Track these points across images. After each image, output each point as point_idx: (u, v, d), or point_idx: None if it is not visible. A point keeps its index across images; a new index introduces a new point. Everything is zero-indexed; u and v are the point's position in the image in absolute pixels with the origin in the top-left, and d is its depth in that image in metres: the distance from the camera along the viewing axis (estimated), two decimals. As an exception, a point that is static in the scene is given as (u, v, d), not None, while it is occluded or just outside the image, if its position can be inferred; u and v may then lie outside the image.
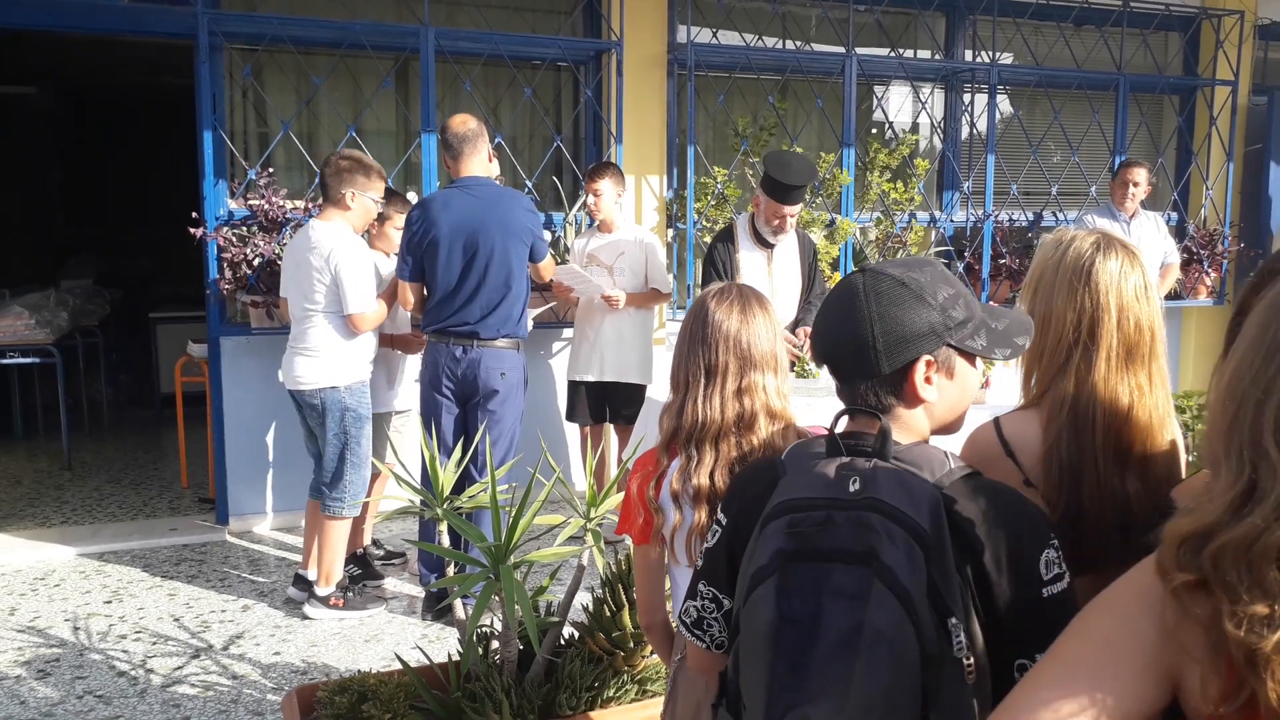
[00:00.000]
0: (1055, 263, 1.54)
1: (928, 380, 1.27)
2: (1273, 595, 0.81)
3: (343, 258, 3.70)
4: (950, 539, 1.13)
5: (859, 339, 1.25)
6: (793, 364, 4.15)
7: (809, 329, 4.24)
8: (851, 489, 1.15)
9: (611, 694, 2.50)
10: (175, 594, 4.14)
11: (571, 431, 5.20)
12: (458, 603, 2.68)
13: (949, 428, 1.35)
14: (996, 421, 1.59)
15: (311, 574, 3.95)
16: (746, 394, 1.70)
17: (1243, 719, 0.83)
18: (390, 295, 3.94)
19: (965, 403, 1.34)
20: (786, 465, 1.30)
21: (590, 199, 4.59)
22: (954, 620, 1.09)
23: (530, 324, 4.61)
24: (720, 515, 1.39)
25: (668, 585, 1.95)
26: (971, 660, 1.09)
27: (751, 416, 1.70)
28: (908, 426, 1.29)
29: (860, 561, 1.09)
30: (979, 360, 1.33)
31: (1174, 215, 6.56)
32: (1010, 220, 6.17)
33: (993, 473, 1.49)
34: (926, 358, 1.26)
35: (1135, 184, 5.43)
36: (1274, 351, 0.85)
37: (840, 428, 1.29)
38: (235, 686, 3.34)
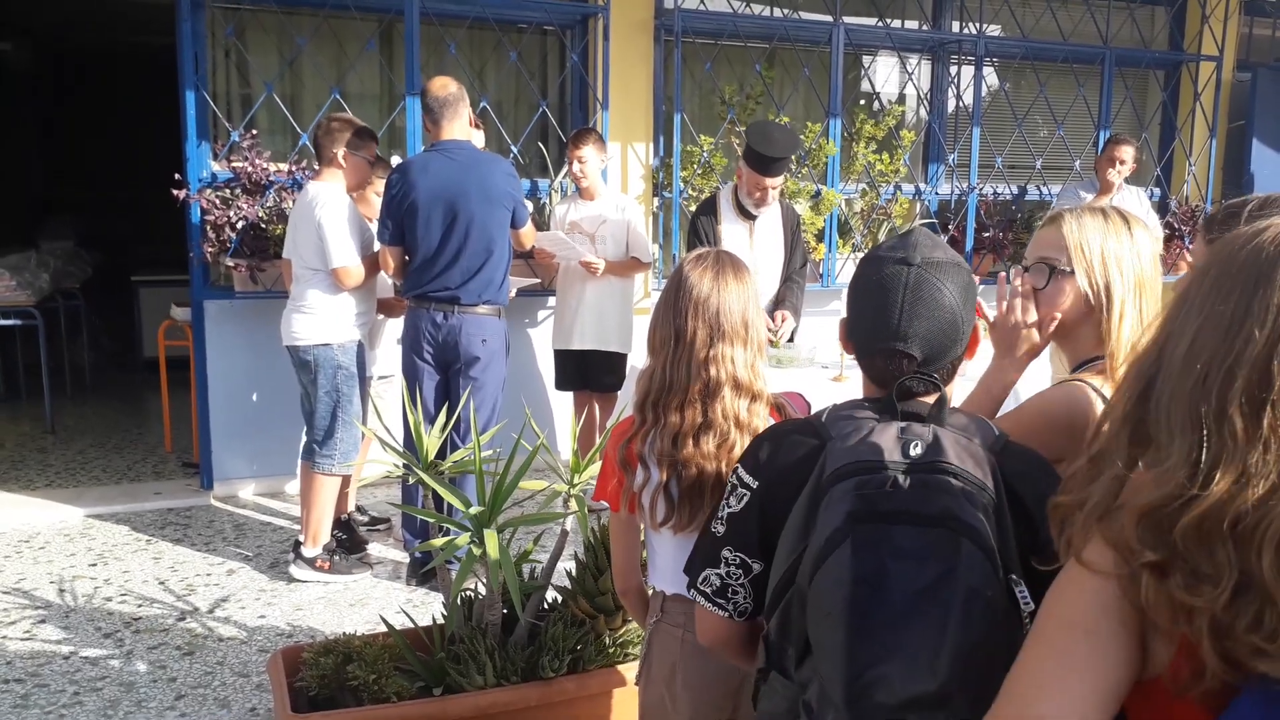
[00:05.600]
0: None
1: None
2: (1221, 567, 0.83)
3: (325, 213, 3.73)
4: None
5: (954, 328, 1.34)
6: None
7: (786, 314, 4.24)
8: (914, 453, 1.20)
9: (593, 657, 2.55)
10: (160, 557, 4.16)
11: (556, 400, 5.22)
12: (442, 567, 2.71)
13: None
14: (1092, 387, 1.56)
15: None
16: (713, 363, 1.70)
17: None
18: (373, 261, 3.94)
19: None
20: (829, 430, 1.31)
21: (576, 166, 4.57)
22: (1014, 576, 1.15)
23: (513, 293, 4.62)
24: (747, 479, 1.38)
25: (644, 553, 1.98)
26: (1030, 615, 1.14)
27: (716, 385, 1.71)
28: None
29: (932, 523, 1.14)
30: None
31: (1157, 191, 6.60)
32: (994, 194, 6.19)
33: (1070, 436, 1.48)
34: (979, 321, 1.38)
35: (1122, 161, 5.44)
36: (1240, 319, 0.86)
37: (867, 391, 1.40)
38: (221, 648, 3.38)
